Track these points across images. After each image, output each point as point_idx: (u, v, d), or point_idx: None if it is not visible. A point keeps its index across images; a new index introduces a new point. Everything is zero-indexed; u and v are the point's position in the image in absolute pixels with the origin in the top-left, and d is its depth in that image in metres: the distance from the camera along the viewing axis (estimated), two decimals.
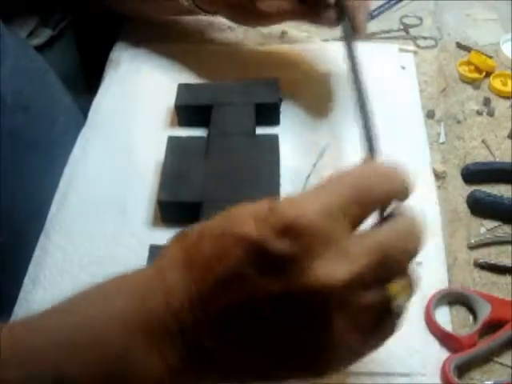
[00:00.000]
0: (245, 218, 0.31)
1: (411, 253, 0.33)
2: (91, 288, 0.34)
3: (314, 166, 0.59)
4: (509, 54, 0.71)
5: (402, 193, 0.34)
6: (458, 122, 0.65)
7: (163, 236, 0.53)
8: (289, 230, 0.29)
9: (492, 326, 0.48)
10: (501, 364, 0.47)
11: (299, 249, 0.29)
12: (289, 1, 0.58)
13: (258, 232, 0.30)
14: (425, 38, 0.75)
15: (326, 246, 0.29)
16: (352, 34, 0.57)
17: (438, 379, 0.45)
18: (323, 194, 0.31)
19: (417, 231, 0.33)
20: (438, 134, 0.64)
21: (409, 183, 0.35)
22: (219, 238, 0.31)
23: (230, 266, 0.30)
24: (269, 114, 0.61)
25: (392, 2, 0.81)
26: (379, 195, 0.33)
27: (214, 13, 0.64)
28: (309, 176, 0.58)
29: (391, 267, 0.32)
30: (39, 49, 0.67)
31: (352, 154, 0.60)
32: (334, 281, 0.29)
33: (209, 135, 0.59)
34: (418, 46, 0.74)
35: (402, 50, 0.73)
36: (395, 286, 0.32)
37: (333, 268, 0.29)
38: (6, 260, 0.53)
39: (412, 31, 0.77)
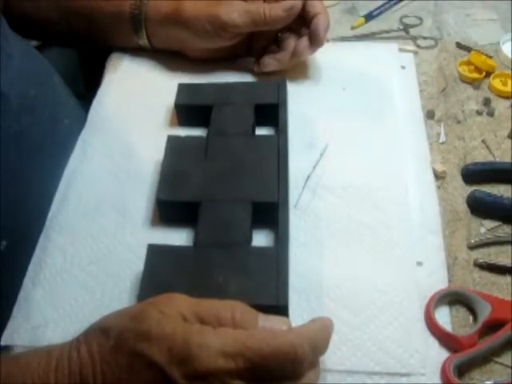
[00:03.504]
0: (161, 348, 0.36)
1: None
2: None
3: (314, 166, 0.59)
4: (509, 54, 0.71)
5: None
6: (458, 122, 0.65)
7: (162, 235, 0.54)
8: (195, 374, 0.35)
9: (492, 326, 0.48)
10: (501, 364, 0.47)
11: None
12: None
13: (170, 369, 0.35)
14: (425, 37, 0.75)
15: None
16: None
17: (437, 379, 0.45)
18: (231, 352, 0.36)
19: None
20: (438, 134, 0.64)
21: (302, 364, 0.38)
22: (134, 356, 0.36)
23: None
24: (269, 115, 0.61)
25: (392, 2, 0.81)
26: (272, 375, 0.37)
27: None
28: (309, 176, 0.58)
29: None
30: (39, 49, 0.67)
31: (352, 154, 0.60)
32: None
33: (208, 135, 0.59)
34: (418, 46, 0.74)
35: (402, 50, 0.73)
36: None
37: None
38: (7, 260, 0.53)
39: (412, 31, 0.77)
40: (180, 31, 0.65)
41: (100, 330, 0.39)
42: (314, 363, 0.39)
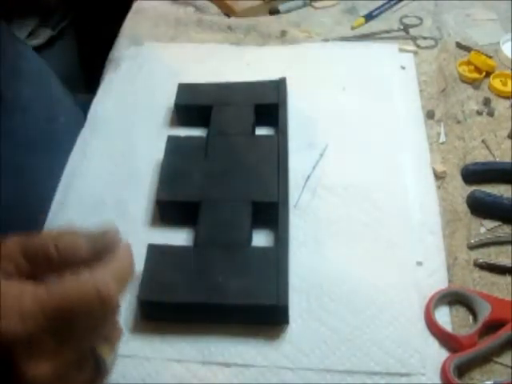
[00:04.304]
0: None
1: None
2: None
3: (314, 166, 0.59)
4: (509, 54, 0.71)
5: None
6: (458, 122, 0.65)
7: (162, 235, 0.54)
8: None
9: (492, 326, 0.48)
10: (501, 364, 0.47)
11: None
12: None
13: None
14: (425, 38, 0.75)
15: None
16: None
17: (437, 379, 0.45)
18: (30, 314, 0.33)
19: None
20: (438, 134, 0.64)
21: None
22: None
23: None
24: (269, 115, 0.61)
25: (392, 2, 0.81)
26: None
27: None
28: (309, 176, 0.58)
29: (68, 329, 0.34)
30: (39, 49, 0.67)
31: (352, 154, 0.60)
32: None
33: (208, 135, 0.59)
34: (417, 46, 0.74)
35: (402, 50, 0.73)
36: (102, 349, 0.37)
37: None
38: None
39: (412, 31, 0.77)
40: None
41: None
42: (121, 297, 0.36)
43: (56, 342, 0.34)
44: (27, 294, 0.34)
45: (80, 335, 0.35)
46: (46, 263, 0.36)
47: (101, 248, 0.37)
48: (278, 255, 0.49)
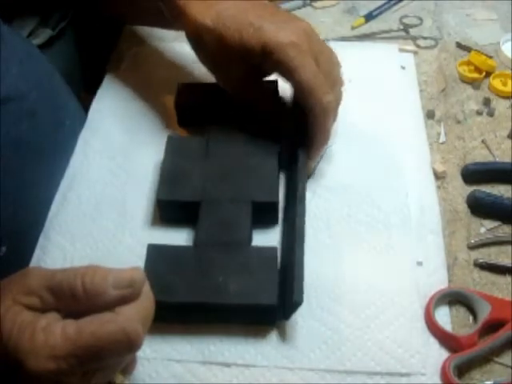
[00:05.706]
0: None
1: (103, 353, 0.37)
2: None
3: (314, 166, 0.59)
4: (509, 54, 0.71)
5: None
6: (458, 122, 0.65)
7: (162, 235, 0.54)
8: (28, 376, 0.36)
9: (492, 326, 0.48)
10: (501, 364, 0.47)
11: None
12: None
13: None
14: (425, 38, 0.75)
15: None
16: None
17: (438, 379, 0.45)
18: (61, 355, 0.35)
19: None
20: (438, 134, 0.64)
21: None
22: None
23: None
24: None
25: (392, 2, 0.81)
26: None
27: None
28: (309, 176, 0.58)
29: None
30: (39, 49, 0.67)
31: (352, 154, 0.60)
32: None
33: (208, 135, 0.59)
34: (418, 46, 0.74)
35: (402, 50, 0.73)
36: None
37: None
38: (7, 265, 0.53)
39: (412, 31, 0.77)
40: None
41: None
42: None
43: (82, 373, 0.37)
44: (57, 331, 0.36)
45: (105, 368, 0.38)
46: (71, 299, 0.37)
47: (127, 295, 0.38)
48: (296, 256, 0.48)
